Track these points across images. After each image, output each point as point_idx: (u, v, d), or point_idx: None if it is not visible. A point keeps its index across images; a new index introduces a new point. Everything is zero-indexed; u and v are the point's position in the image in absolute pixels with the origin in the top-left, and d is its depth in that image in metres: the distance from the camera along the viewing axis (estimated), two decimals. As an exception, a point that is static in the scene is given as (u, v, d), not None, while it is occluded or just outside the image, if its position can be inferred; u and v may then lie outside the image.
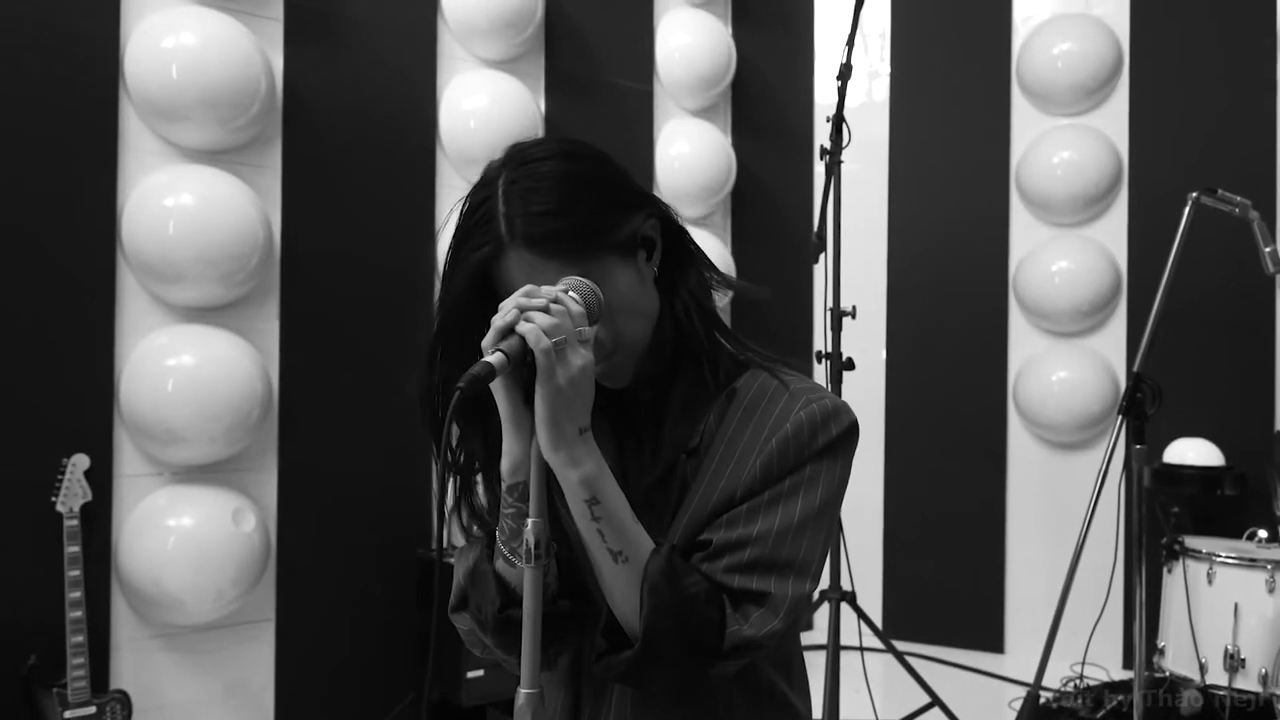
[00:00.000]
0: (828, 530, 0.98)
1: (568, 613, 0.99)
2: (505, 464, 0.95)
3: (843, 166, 2.80)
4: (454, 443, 1.02)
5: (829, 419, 0.98)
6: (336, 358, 2.97)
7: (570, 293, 0.92)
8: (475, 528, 1.05)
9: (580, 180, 0.97)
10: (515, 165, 0.98)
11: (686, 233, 1.05)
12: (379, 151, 3.08)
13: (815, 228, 2.93)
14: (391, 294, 3.10)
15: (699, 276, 1.04)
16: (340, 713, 2.95)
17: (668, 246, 1.03)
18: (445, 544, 2.97)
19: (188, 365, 2.57)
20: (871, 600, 4.04)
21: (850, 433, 0.99)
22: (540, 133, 3.29)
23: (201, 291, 2.63)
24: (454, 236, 0.99)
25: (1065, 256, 3.84)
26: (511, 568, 0.98)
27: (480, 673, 2.81)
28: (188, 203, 2.58)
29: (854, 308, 2.76)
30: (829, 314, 2.76)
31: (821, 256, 2.92)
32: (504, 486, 0.96)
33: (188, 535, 2.56)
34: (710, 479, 0.98)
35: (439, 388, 0.98)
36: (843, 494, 1.00)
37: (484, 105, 3.19)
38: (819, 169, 4.11)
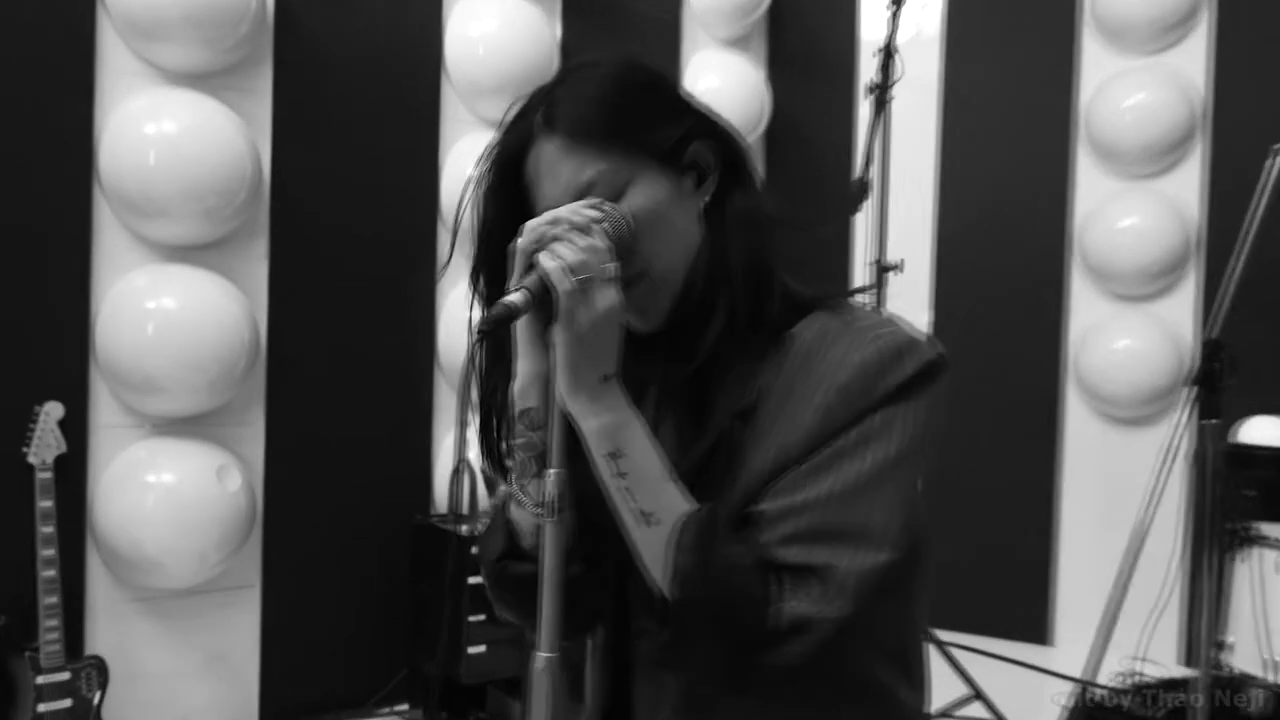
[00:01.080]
0: (906, 487, 0.93)
1: (579, 578, 0.97)
2: (515, 386, 0.95)
3: (892, 104, 2.80)
4: (480, 389, 1.03)
5: (901, 354, 0.93)
6: (331, 303, 2.99)
7: (601, 222, 0.92)
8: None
9: (633, 80, 0.98)
10: (566, 70, 1.00)
11: (749, 164, 1.03)
12: (378, 78, 3.08)
13: (858, 172, 2.93)
14: (393, 233, 3.11)
15: (761, 212, 1.01)
16: (329, 687, 3.01)
17: (727, 179, 1.01)
18: (456, 507, 3.01)
19: (169, 309, 2.59)
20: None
21: (931, 370, 0.94)
22: (555, 63, 3.29)
23: (184, 228, 2.65)
24: (491, 140, 1.01)
25: (1134, 212, 3.82)
26: (521, 510, 0.98)
27: (482, 649, 2.86)
28: (170, 130, 2.59)
29: (901, 261, 2.76)
30: (871, 268, 2.77)
31: (864, 205, 2.93)
32: (515, 411, 0.96)
33: (168, 493, 2.60)
34: (762, 440, 0.94)
35: (483, 301, 1.00)
36: (927, 444, 0.94)
37: (493, 30, 3.20)
38: (862, 110, 4.10)
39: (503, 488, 1.04)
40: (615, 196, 0.95)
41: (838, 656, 0.90)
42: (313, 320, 2.96)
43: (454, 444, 3.17)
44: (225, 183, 2.64)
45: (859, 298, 1.06)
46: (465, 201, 1.00)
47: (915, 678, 1.02)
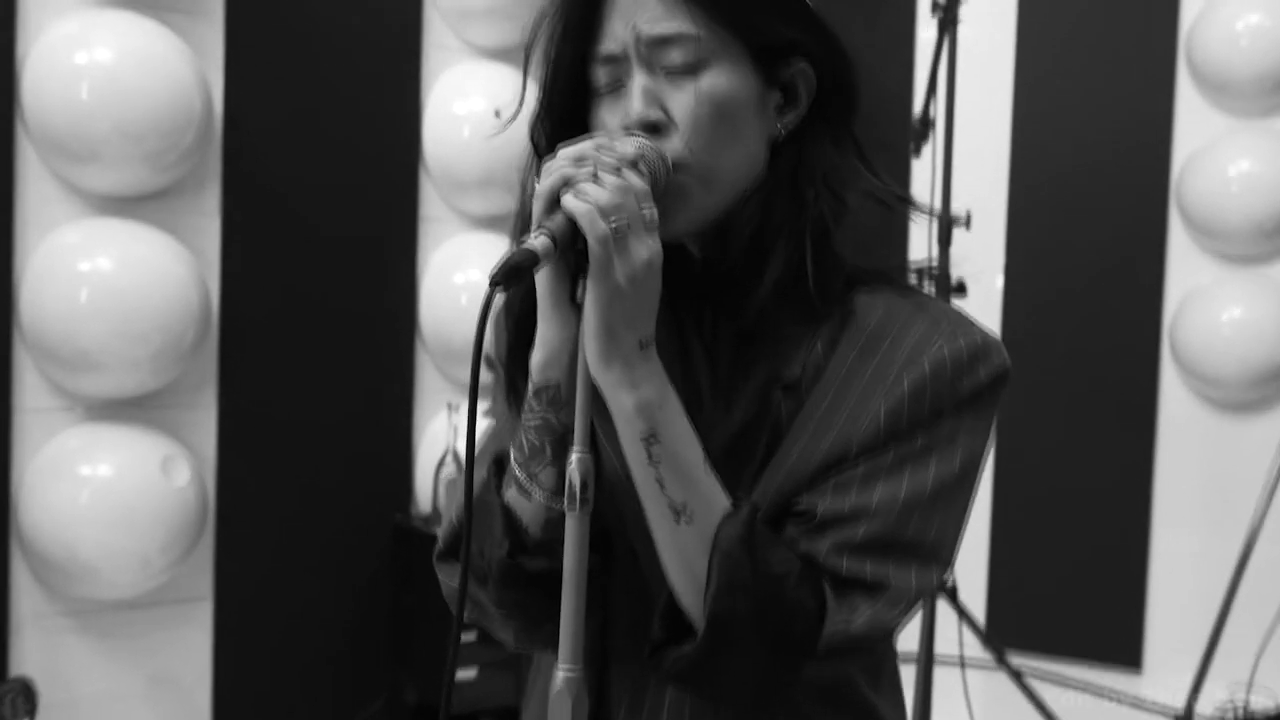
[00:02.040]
0: (965, 506, 0.98)
1: (595, 571, 0.98)
2: (537, 356, 0.95)
3: (960, 27, 2.76)
4: (493, 350, 1.04)
5: (977, 359, 0.97)
6: (294, 264, 2.99)
7: (636, 162, 0.92)
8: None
9: None
10: None
11: (853, 115, 1.04)
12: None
13: (919, 109, 2.91)
14: (367, 182, 3.11)
15: (844, 165, 1.02)
16: (292, 715, 3.03)
17: (819, 122, 1.02)
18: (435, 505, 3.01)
19: (105, 271, 2.59)
20: (974, 598, 4.07)
21: (1000, 381, 0.99)
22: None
23: (122, 175, 2.64)
24: None
25: (1247, 154, 3.78)
26: (527, 499, 0.98)
27: (471, 674, 2.87)
28: (105, 59, 2.58)
29: (969, 214, 2.74)
30: (934, 222, 2.75)
31: (925, 148, 2.90)
32: (531, 387, 0.96)
33: (105, 488, 2.60)
34: (817, 426, 0.97)
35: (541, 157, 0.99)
36: (986, 458, 0.99)
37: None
38: (924, 33, 4.05)
39: (479, 467, 1.03)
40: (690, 67, 0.96)
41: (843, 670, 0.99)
42: (273, 285, 2.95)
43: (446, 429, 3.17)
44: (170, 122, 2.64)
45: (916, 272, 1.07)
46: (534, 41, 1.01)
47: (886, 689, 1.07)
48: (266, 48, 2.93)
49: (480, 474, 1.03)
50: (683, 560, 0.93)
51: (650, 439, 0.92)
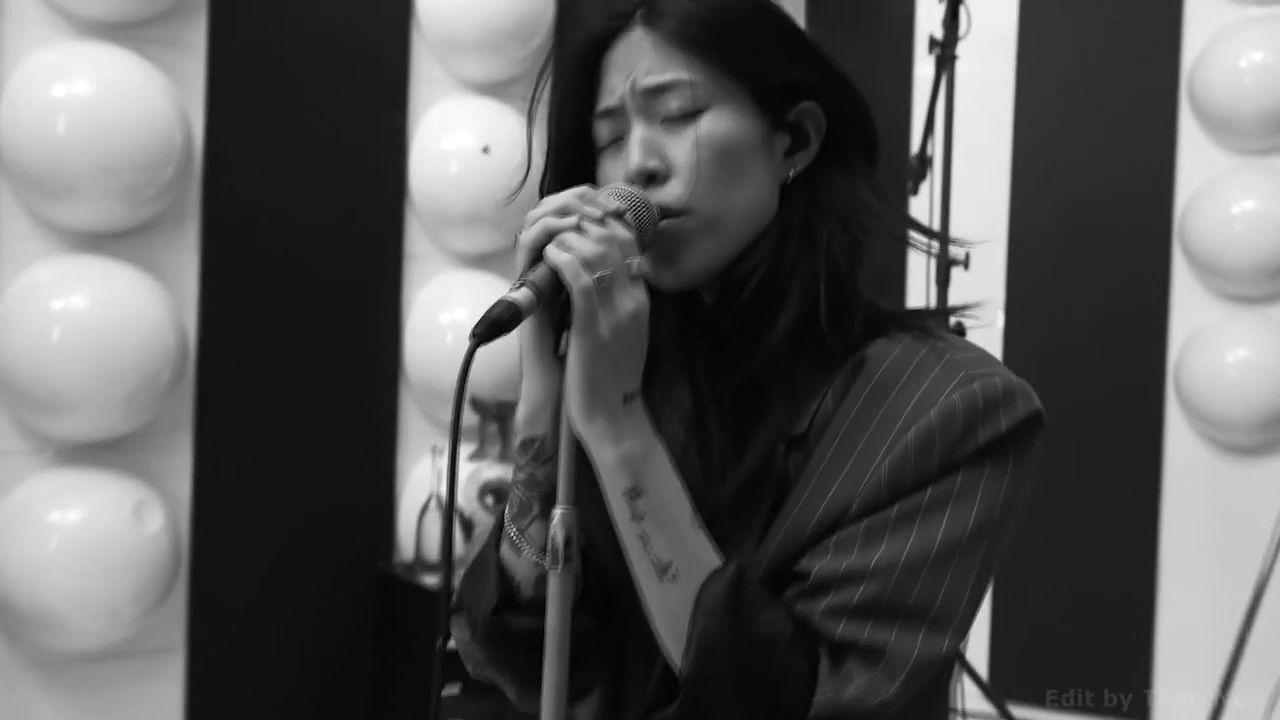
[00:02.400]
0: (983, 566, 0.94)
1: (589, 633, 0.99)
2: (521, 410, 0.97)
3: (957, 64, 2.78)
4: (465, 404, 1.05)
5: (996, 404, 0.94)
6: (275, 304, 2.98)
7: (623, 213, 0.93)
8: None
9: (759, 3, 1.01)
10: None
11: (871, 151, 1.04)
12: (335, 30, 3.08)
13: (917, 146, 2.92)
14: (351, 219, 3.11)
15: (859, 204, 1.01)
16: (270, 773, 3.00)
17: (830, 154, 1.02)
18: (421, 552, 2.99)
19: (78, 309, 2.59)
20: (976, 648, 4.05)
21: (1026, 427, 0.95)
22: (551, 11, 3.28)
23: (98, 211, 2.65)
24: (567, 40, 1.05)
25: (1251, 194, 3.80)
26: (517, 556, 0.99)
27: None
28: (83, 92, 2.59)
29: (967, 255, 2.75)
30: (932, 262, 2.75)
31: (923, 186, 2.91)
32: (516, 441, 0.98)
33: (75, 534, 2.58)
34: (818, 482, 0.95)
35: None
36: (1013, 515, 0.95)
37: (476, -31, 3.20)
38: (921, 70, 4.08)
39: (477, 534, 1.06)
40: (689, 114, 0.98)
41: None
42: (252, 324, 2.95)
43: (430, 474, 3.16)
44: (148, 156, 2.64)
45: (945, 320, 1.06)
46: (537, 103, 1.04)
47: None
48: (249, 81, 2.94)
49: (485, 537, 1.05)
50: (666, 617, 0.93)
51: (634, 493, 0.92)
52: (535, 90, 1.04)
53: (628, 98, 0.99)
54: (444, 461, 3.03)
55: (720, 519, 0.95)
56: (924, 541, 0.91)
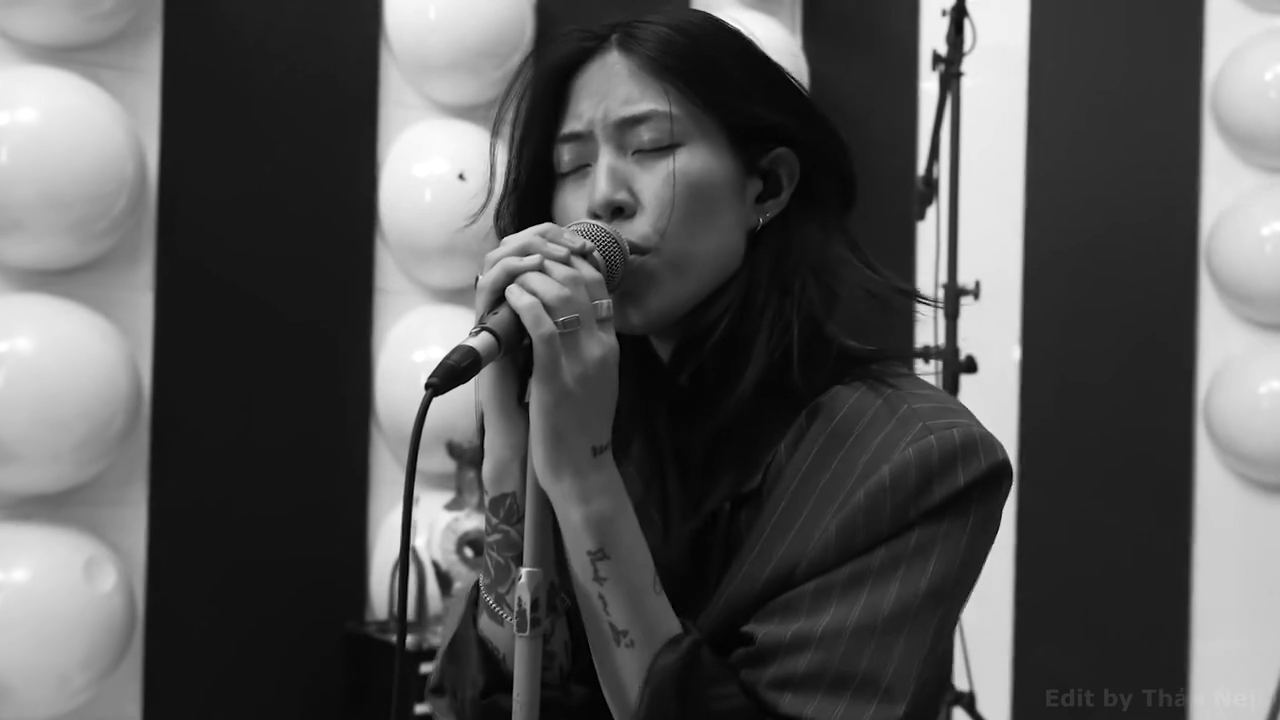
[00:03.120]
0: (938, 631, 0.93)
1: (584, 703, 0.99)
2: (487, 468, 0.96)
3: (964, 80, 2.78)
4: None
5: (954, 459, 0.93)
6: (236, 344, 2.97)
7: (589, 252, 0.92)
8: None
9: (740, 39, 1.03)
10: (652, 10, 1.04)
11: (847, 201, 1.06)
12: (299, 53, 3.08)
13: (922, 168, 2.91)
14: (317, 252, 3.10)
15: (837, 250, 1.02)
16: None
17: (802, 203, 1.03)
18: (397, 614, 2.97)
19: (23, 352, 2.58)
20: (997, 705, 4.01)
21: (986, 482, 0.94)
22: (529, 32, 3.28)
23: (45, 246, 2.65)
24: (529, 57, 1.05)
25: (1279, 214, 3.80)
26: (499, 625, 0.99)
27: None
28: (28, 119, 2.60)
29: (977, 284, 2.74)
30: (941, 293, 2.74)
31: (930, 210, 2.90)
32: (487, 500, 0.97)
33: (20, 595, 2.57)
34: (767, 539, 0.96)
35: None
36: (974, 576, 0.95)
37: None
38: (926, 87, 4.08)
39: (457, 589, 1.04)
40: (661, 148, 0.98)
41: None
42: (211, 367, 2.94)
43: (402, 529, 3.13)
44: (99, 187, 2.64)
45: (921, 362, 1.07)
46: (503, 116, 1.05)
47: None
48: (206, 106, 2.94)
49: (460, 605, 1.05)
50: (616, 683, 0.93)
51: (598, 556, 0.92)
52: (501, 108, 1.04)
53: (598, 125, 0.99)
54: (417, 512, 3.00)
55: (674, 576, 0.95)
56: (874, 606, 0.91)
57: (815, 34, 4.14)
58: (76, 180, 2.61)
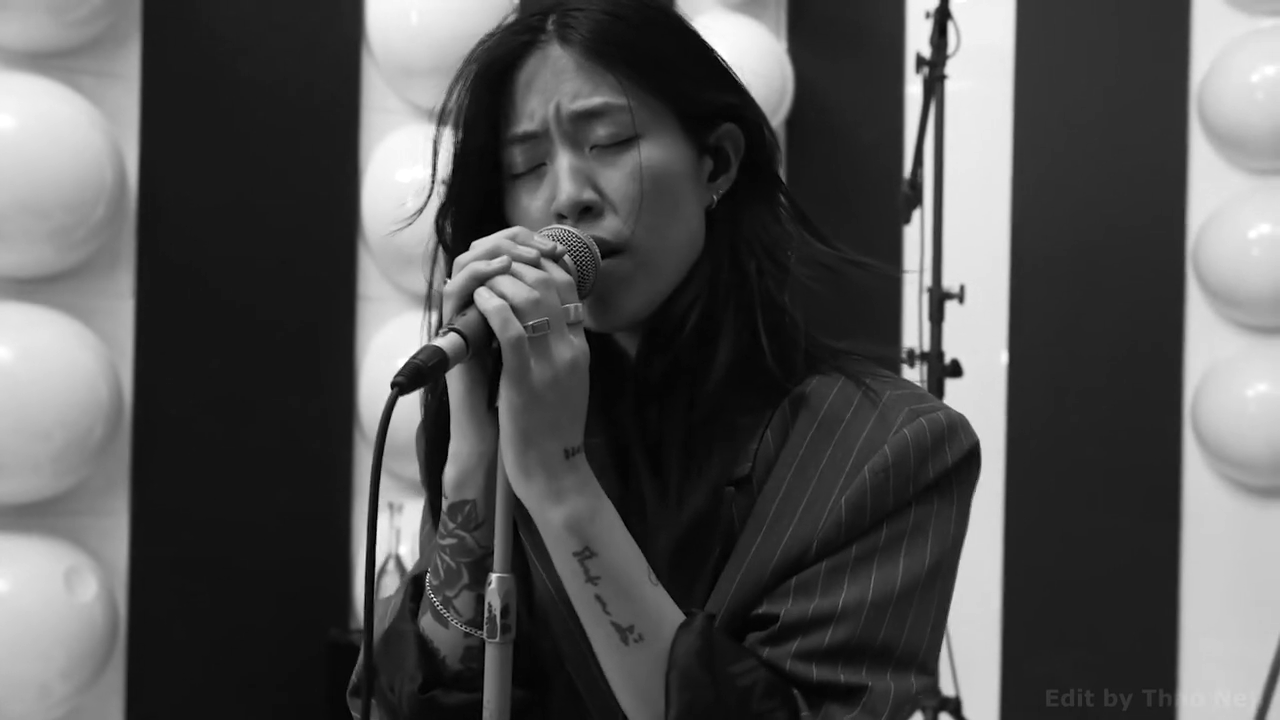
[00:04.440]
0: (941, 599, 0.99)
1: (520, 706, 0.99)
2: (450, 473, 0.97)
3: (949, 83, 2.79)
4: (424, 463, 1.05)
5: (942, 439, 0.99)
6: (217, 352, 2.97)
7: (559, 255, 0.92)
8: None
9: (675, 19, 1.03)
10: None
11: (777, 172, 1.07)
12: (279, 57, 3.09)
13: (907, 172, 2.92)
14: (299, 259, 3.11)
15: (779, 228, 1.05)
16: None
17: (749, 183, 1.05)
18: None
19: (2, 360, 2.59)
20: (984, 711, 4.01)
21: (970, 459, 1.01)
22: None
23: (23, 254, 2.65)
24: (469, 54, 1.03)
25: (1268, 217, 3.81)
26: (443, 628, 0.99)
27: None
28: (6, 126, 2.60)
29: (962, 288, 2.76)
30: (925, 296, 2.75)
31: (915, 213, 2.91)
32: (445, 505, 0.97)
33: (0, 605, 2.56)
34: (771, 524, 0.98)
35: (448, 255, 1.02)
36: (960, 548, 1.01)
37: (433, -9, 3.21)
38: (912, 90, 4.09)
39: (391, 588, 1.05)
40: (620, 141, 0.98)
41: None
42: (193, 375, 2.94)
43: (389, 532, 3.13)
44: (77, 194, 2.64)
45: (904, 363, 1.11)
46: (445, 113, 1.04)
47: None
48: (186, 112, 2.94)
49: (396, 598, 1.05)
50: (633, 683, 0.94)
51: (584, 555, 0.92)
52: (443, 108, 1.03)
53: (552, 123, 0.99)
54: (402, 519, 3.00)
55: (665, 567, 0.97)
56: (886, 581, 0.96)
57: (800, 37, 4.15)
58: (54, 187, 2.61)
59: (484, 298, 0.88)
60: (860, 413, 1.00)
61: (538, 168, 1.00)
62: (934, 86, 2.77)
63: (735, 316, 1.00)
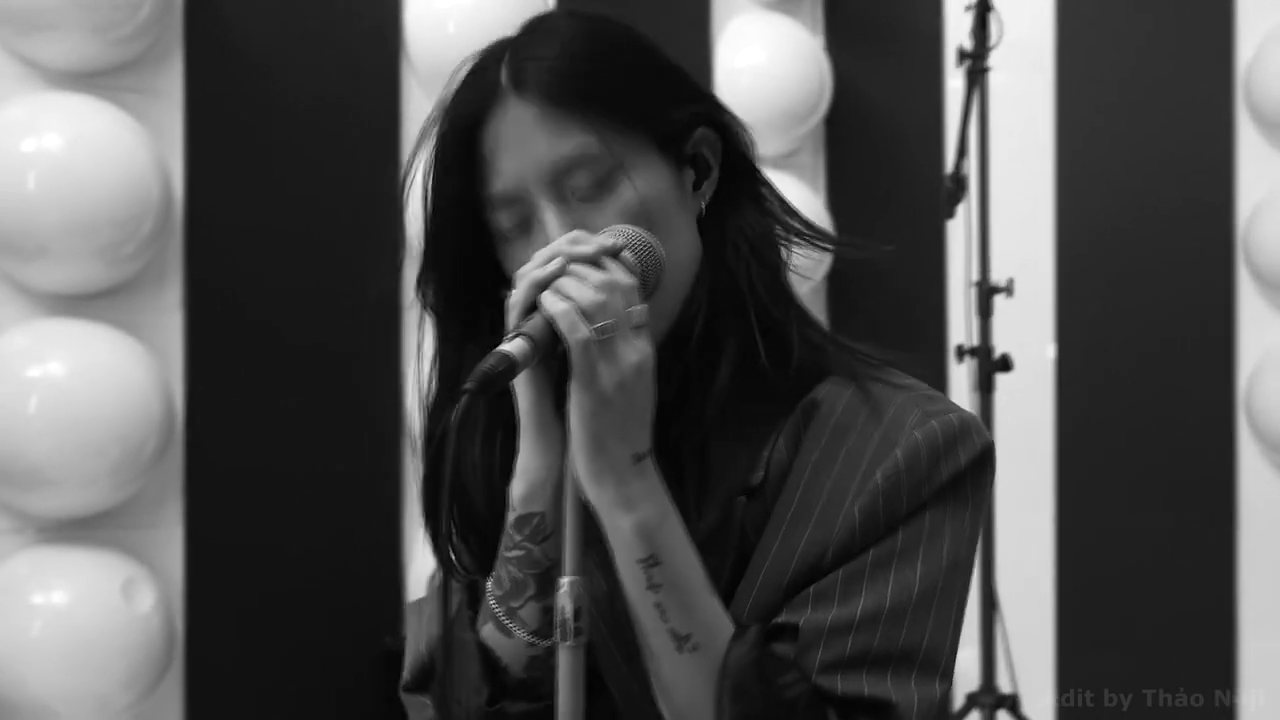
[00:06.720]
0: (959, 603, 1.00)
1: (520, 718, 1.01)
2: (518, 487, 0.97)
3: (989, 76, 2.80)
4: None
5: (954, 441, 0.99)
6: (266, 364, 3.00)
7: (619, 251, 0.94)
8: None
9: (624, 37, 1.03)
10: (525, 30, 1.03)
11: (758, 166, 1.07)
12: (322, 67, 3.11)
13: (951, 167, 2.93)
14: (346, 272, 3.10)
15: (765, 223, 1.05)
16: None
17: (730, 183, 1.05)
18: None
19: (55, 376, 2.60)
20: (1040, 708, 4.00)
21: (984, 461, 1.01)
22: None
23: (73, 271, 2.67)
24: (432, 113, 1.03)
25: (1318, 201, 3.79)
26: (507, 638, 1.00)
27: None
28: (53, 146, 2.62)
29: (1010, 282, 2.76)
30: (973, 291, 2.76)
31: (960, 208, 2.92)
32: (512, 517, 0.98)
33: (59, 617, 2.59)
34: (786, 533, 0.99)
35: (436, 321, 1.03)
36: (975, 549, 1.02)
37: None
38: (953, 84, 4.09)
39: (431, 589, 1.05)
40: (603, 183, 0.98)
41: None
42: (243, 387, 2.96)
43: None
44: (125, 211, 2.66)
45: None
46: (409, 183, 1.03)
47: None
48: (231, 128, 2.96)
49: (431, 607, 1.07)
50: (683, 691, 0.95)
51: (649, 562, 0.93)
52: (409, 167, 1.03)
53: (530, 182, 0.98)
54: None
55: None
56: (903, 586, 0.96)
57: (837, 34, 4.15)
58: (102, 204, 2.62)
59: (549, 301, 0.89)
60: (873, 417, 1.00)
61: (527, 228, 1.00)
62: (976, 79, 2.78)
63: (733, 322, 1.01)
